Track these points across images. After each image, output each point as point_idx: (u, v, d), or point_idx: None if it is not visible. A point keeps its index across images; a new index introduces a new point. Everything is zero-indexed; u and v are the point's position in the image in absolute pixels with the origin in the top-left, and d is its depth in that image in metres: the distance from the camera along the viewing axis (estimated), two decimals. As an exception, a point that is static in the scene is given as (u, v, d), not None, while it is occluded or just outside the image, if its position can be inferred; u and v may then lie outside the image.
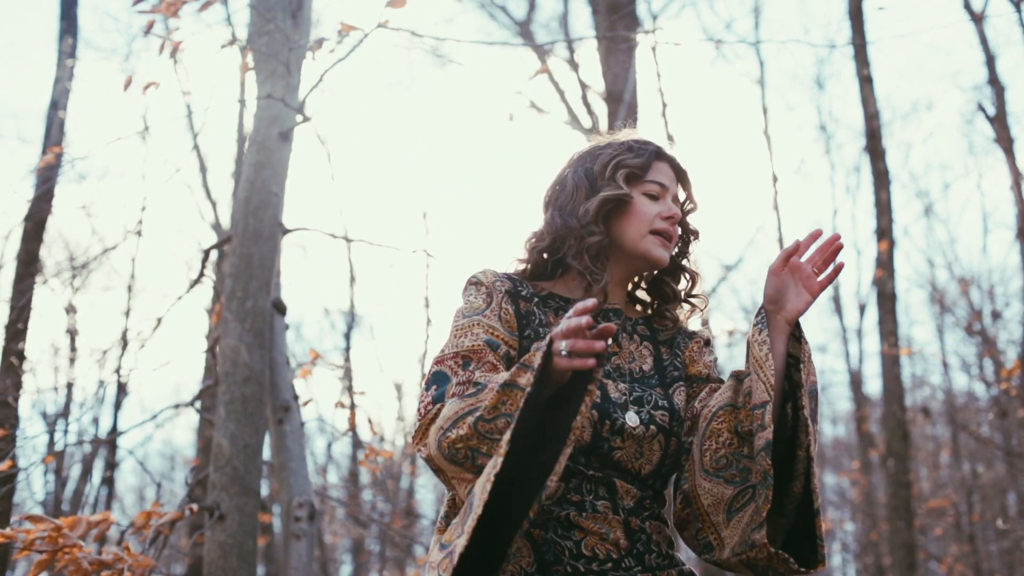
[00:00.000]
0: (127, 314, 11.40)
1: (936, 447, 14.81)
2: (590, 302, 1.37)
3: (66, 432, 8.58)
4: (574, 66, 9.25)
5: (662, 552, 1.64)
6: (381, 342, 25.07)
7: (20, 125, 21.92)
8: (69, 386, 9.67)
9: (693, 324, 1.87)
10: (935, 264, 14.15)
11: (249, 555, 3.24)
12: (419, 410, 1.58)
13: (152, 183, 11.76)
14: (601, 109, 8.49)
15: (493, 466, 1.39)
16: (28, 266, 6.63)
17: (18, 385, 5.94)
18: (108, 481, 10.83)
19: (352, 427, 6.44)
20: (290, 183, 3.73)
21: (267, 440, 3.56)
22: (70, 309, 10.21)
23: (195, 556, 7.75)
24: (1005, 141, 8.40)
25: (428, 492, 14.26)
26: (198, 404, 4.34)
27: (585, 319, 1.35)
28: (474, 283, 1.74)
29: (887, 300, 9.04)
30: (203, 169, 11.08)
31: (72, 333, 10.63)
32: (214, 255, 6.81)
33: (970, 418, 12.82)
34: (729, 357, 12.99)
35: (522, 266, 1.81)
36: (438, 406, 1.55)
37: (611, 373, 1.69)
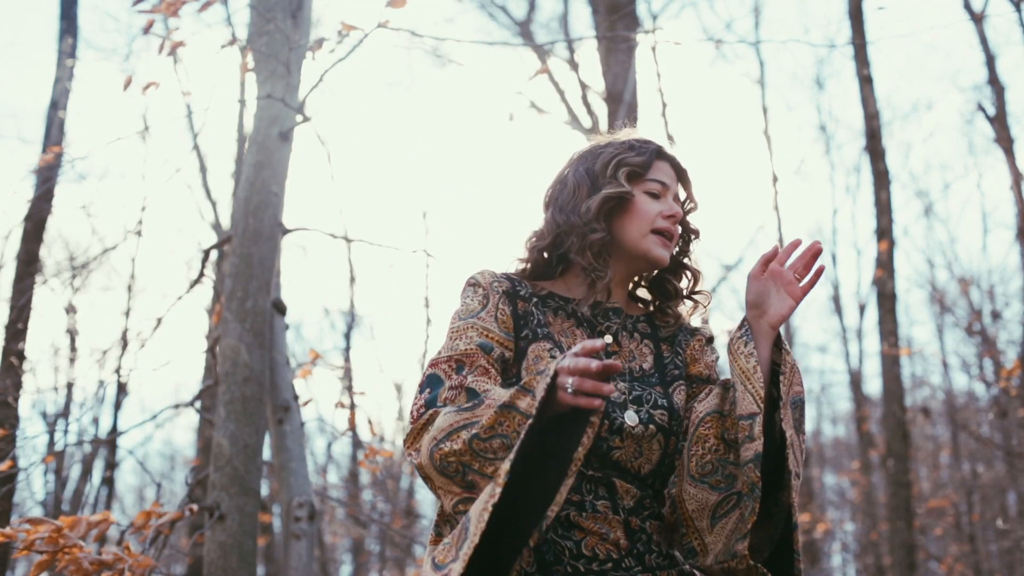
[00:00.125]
0: (127, 314, 11.39)
1: (936, 447, 14.79)
2: (599, 342, 1.35)
3: (66, 432, 8.56)
4: (574, 66, 9.25)
5: (662, 552, 1.64)
6: (381, 342, 24.96)
7: (20, 125, 21.89)
8: (69, 386, 9.66)
9: (694, 322, 1.87)
10: (935, 264, 14.12)
11: (249, 555, 3.24)
12: (412, 412, 1.58)
13: (152, 183, 11.75)
14: (601, 109, 8.50)
15: (491, 495, 1.38)
16: (28, 266, 6.63)
17: (18, 385, 5.94)
18: (108, 481, 10.81)
19: (352, 427, 6.41)
20: (290, 183, 3.73)
21: (267, 440, 3.56)
22: (70, 309, 10.19)
23: (195, 556, 7.75)
24: (1005, 141, 8.39)
25: (428, 492, 14.21)
26: (198, 404, 4.35)
27: (595, 363, 1.33)
28: (471, 284, 1.73)
29: (887, 300, 9.03)
30: (203, 169, 11.06)
31: (72, 333, 10.61)
32: (214, 255, 6.81)
33: (970, 418, 12.80)
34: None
35: (522, 266, 1.80)
36: (431, 411, 1.54)
37: (611, 373, 1.69)
